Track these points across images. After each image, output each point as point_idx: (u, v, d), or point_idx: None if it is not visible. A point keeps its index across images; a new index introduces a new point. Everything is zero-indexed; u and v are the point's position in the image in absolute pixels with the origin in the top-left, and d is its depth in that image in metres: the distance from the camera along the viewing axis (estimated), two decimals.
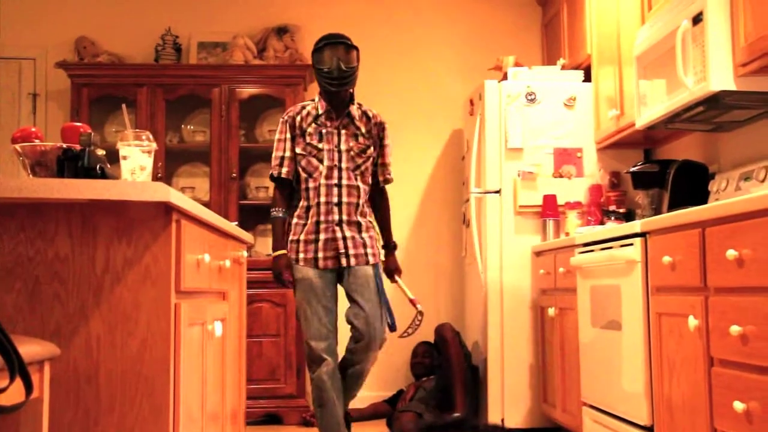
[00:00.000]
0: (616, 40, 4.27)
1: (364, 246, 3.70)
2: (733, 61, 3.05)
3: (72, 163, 2.16)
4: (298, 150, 3.72)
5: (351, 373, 3.70)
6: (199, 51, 5.61)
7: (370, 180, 3.81)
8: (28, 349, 1.67)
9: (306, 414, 4.97)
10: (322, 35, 3.73)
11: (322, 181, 3.68)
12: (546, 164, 4.70)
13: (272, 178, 3.78)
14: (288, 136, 3.75)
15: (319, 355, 3.61)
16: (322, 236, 3.67)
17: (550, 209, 4.59)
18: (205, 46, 5.63)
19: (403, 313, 4.10)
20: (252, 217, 5.42)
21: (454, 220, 5.63)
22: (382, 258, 3.90)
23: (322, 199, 3.67)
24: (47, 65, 5.55)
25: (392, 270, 3.93)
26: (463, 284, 5.40)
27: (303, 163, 3.71)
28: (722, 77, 3.06)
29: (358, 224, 3.71)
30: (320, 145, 3.70)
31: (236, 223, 4.43)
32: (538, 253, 4.58)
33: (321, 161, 3.69)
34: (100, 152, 2.23)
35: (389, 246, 3.95)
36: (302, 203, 3.73)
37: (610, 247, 3.37)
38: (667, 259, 2.77)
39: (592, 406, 3.66)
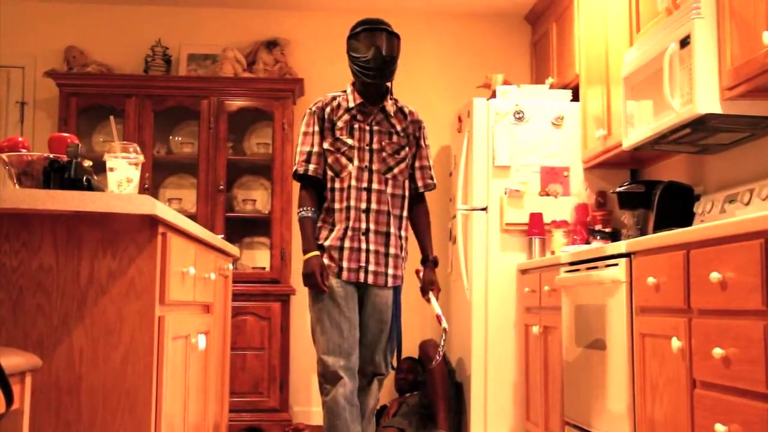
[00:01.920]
0: (605, 60, 4.30)
1: (386, 265, 3.31)
2: (720, 84, 3.08)
3: (58, 174, 2.16)
4: (325, 145, 3.33)
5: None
6: (189, 63, 5.61)
7: (405, 186, 3.42)
8: (9, 360, 1.67)
9: (288, 428, 4.95)
10: (360, 20, 3.32)
11: (352, 183, 3.29)
12: (533, 182, 4.72)
13: (296, 175, 3.36)
14: (316, 129, 3.34)
15: (335, 372, 3.15)
16: (347, 244, 3.27)
17: (536, 227, 4.61)
18: (195, 58, 5.63)
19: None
20: (238, 229, 5.41)
21: (440, 236, 5.63)
22: (420, 272, 3.49)
23: (352, 203, 3.28)
24: (36, 74, 5.54)
25: (427, 284, 3.44)
26: (449, 300, 5.40)
27: (330, 160, 3.32)
28: (709, 100, 3.09)
29: (387, 236, 3.32)
30: (350, 142, 3.31)
31: (222, 235, 4.42)
32: (523, 271, 4.59)
33: (350, 160, 3.30)
34: (87, 164, 2.23)
35: (428, 260, 3.47)
36: (324, 205, 3.34)
37: (596, 267, 3.38)
38: (651, 280, 2.78)
39: (574, 425, 3.66)
